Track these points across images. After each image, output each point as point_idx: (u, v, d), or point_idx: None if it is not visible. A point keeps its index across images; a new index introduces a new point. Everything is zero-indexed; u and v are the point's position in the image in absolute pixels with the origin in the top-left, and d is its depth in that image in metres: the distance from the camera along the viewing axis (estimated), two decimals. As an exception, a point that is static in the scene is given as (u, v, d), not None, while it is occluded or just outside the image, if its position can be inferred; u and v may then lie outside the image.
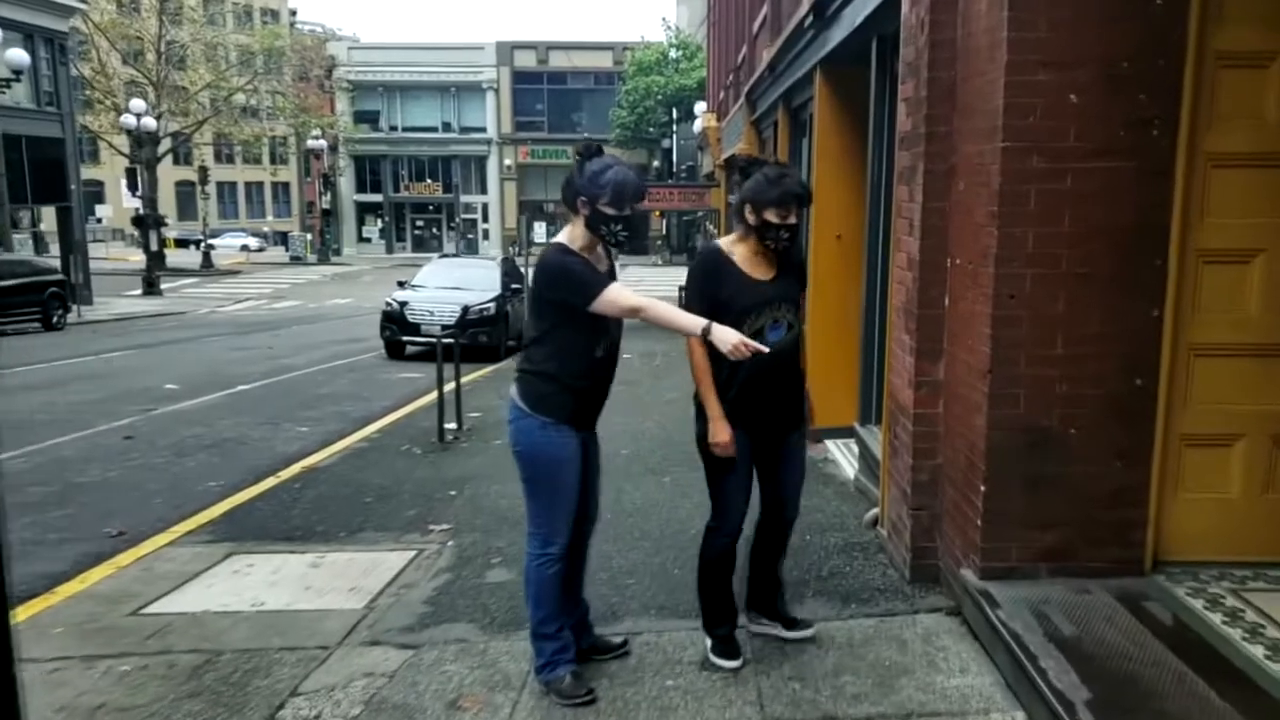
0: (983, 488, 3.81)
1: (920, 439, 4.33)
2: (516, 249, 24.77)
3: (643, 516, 5.57)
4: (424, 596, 4.44)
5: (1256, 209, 3.72)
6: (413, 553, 5.07)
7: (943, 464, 4.29)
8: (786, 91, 9.06)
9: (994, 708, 3.30)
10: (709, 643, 3.66)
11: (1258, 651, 3.23)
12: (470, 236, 46.97)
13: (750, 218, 3.41)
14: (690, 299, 3.50)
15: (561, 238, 3.33)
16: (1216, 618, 3.48)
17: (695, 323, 3.17)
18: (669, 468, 6.61)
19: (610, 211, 3.21)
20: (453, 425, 8.00)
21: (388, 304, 14.43)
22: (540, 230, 33.07)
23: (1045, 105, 3.61)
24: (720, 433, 3.38)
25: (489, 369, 12.55)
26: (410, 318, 13.97)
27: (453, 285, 14.89)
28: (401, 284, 15.47)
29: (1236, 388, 3.84)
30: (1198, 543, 3.90)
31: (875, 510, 5.07)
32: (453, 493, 6.24)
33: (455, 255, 27.81)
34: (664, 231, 44.14)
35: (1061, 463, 3.77)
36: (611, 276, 3.32)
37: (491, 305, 14.34)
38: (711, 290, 3.41)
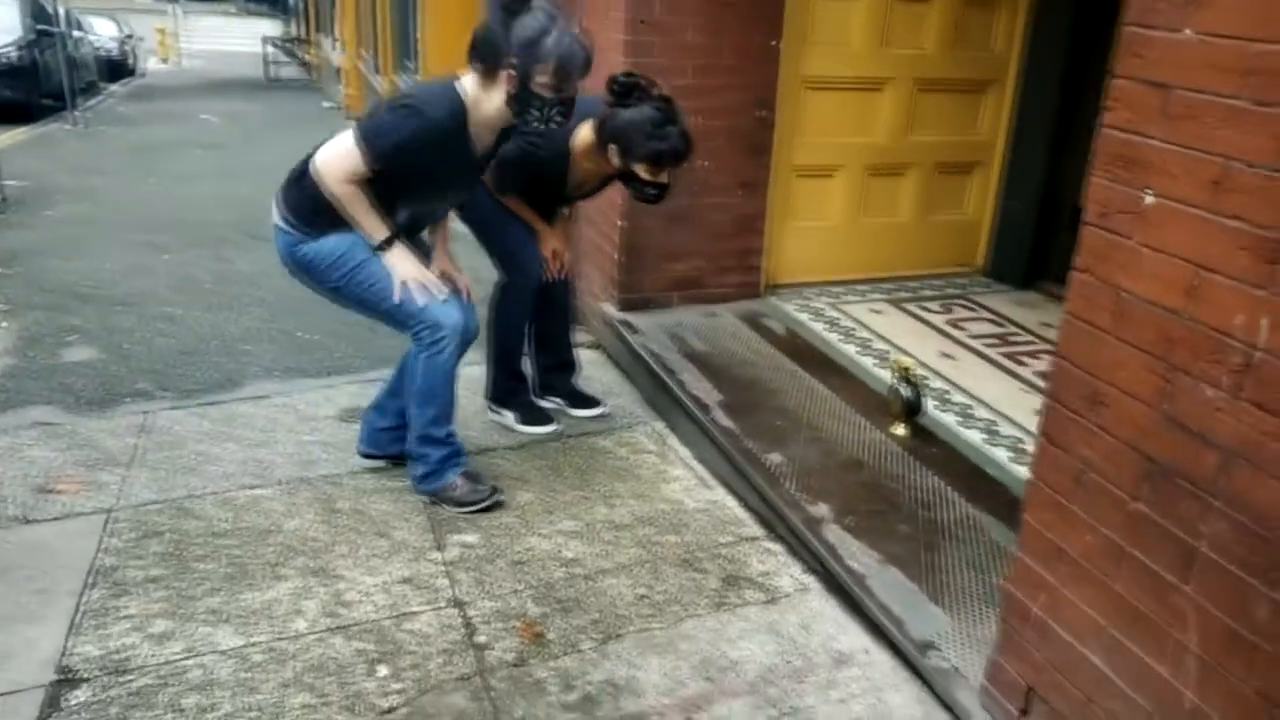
0: (620, 223, 3.83)
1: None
2: None
3: (253, 284, 5.00)
4: (-19, 382, 3.64)
5: (864, -57, 3.91)
6: (-44, 337, 4.11)
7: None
8: None
9: (637, 421, 3.46)
10: (513, 414, 3.37)
11: (851, 350, 3.67)
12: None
13: (616, 159, 2.87)
14: (508, 183, 3.00)
15: (462, 92, 2.54)
16: (819, 326, 3.88)
17: (377, 234, 2.62)
18: (278, 234, 5.97)
19: (547, 93, 2.46)
20: (-10, 196, 6.53)
21: None
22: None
23: None
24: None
25: (23, 131, 10.34)
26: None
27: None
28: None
29: (839, 121, 4.15)
30: (805, 266, 4.29)
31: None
32: (3, 271, 5.13)
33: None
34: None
35: (693, 195, 3.87)
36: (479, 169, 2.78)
37: (12, 52, 11.59)
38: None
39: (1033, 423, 3.14)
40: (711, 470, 3.12)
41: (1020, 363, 3.60)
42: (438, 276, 2.73)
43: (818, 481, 2.80)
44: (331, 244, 2.64)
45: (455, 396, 2.85)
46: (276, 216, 2.71)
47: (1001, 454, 2.95)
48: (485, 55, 2.47)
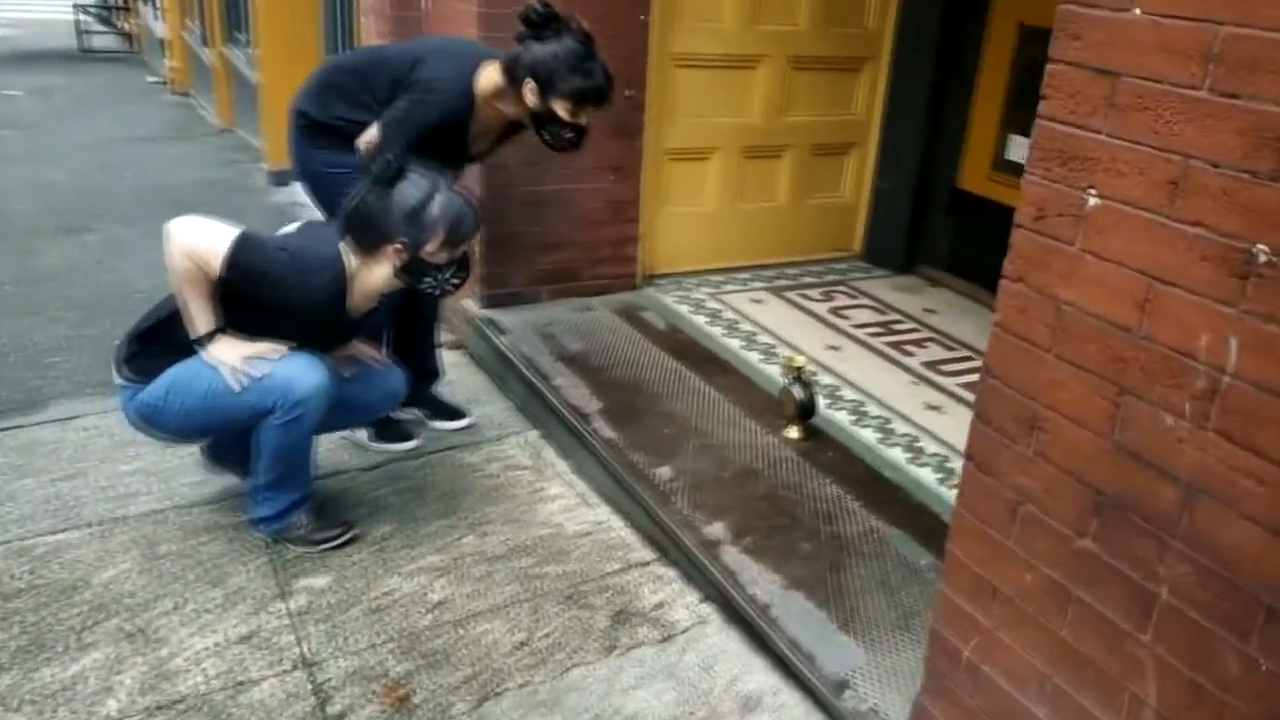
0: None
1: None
2: None
3: (64, 283, 4.40)
4: None
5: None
6: None
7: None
8: None
9: (508, 432, 3.15)
10: (366, 430, 2.97)
11: (735, 344, 3.47)
12: None
13: (531, 97, 2.54)
14: (397, 143, 2.53)
15: (346, 263, 2.31)
16: (701, 319, 3.67)
17: (201, 325, 2.27)
18: (93, 223, 5.32)
19: (441, 259, 2.31)
20: None
21: None
22: None
23: None
24: None
25: None
26: None
27: None
28: None
29: (712, 101, 3.93)
30: (682, 254, 4.06)
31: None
32: None
33: None
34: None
35: (561, 181, 3.58)
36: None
37: None
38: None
39: (926, 418, 3.05)
40: (594, 486, 2.86)
41: (906, 352, 3.48)
42: (344, 356, 2.51)
43: (711, 497, 2.58)
44: (163, 377, 2.32)
45: (314, 453, 2.53)
46: (116, 376, 2.37)
47: (898, 455, 2.80)
48: (364, 234, 2.28)
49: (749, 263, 4.21)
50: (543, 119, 2.59)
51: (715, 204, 4.09)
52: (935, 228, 4.17)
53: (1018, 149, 3.83)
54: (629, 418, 2.94)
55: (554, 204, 3.61)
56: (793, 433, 2.86)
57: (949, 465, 2.76)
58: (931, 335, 3.63)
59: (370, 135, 2.62)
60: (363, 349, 2.60)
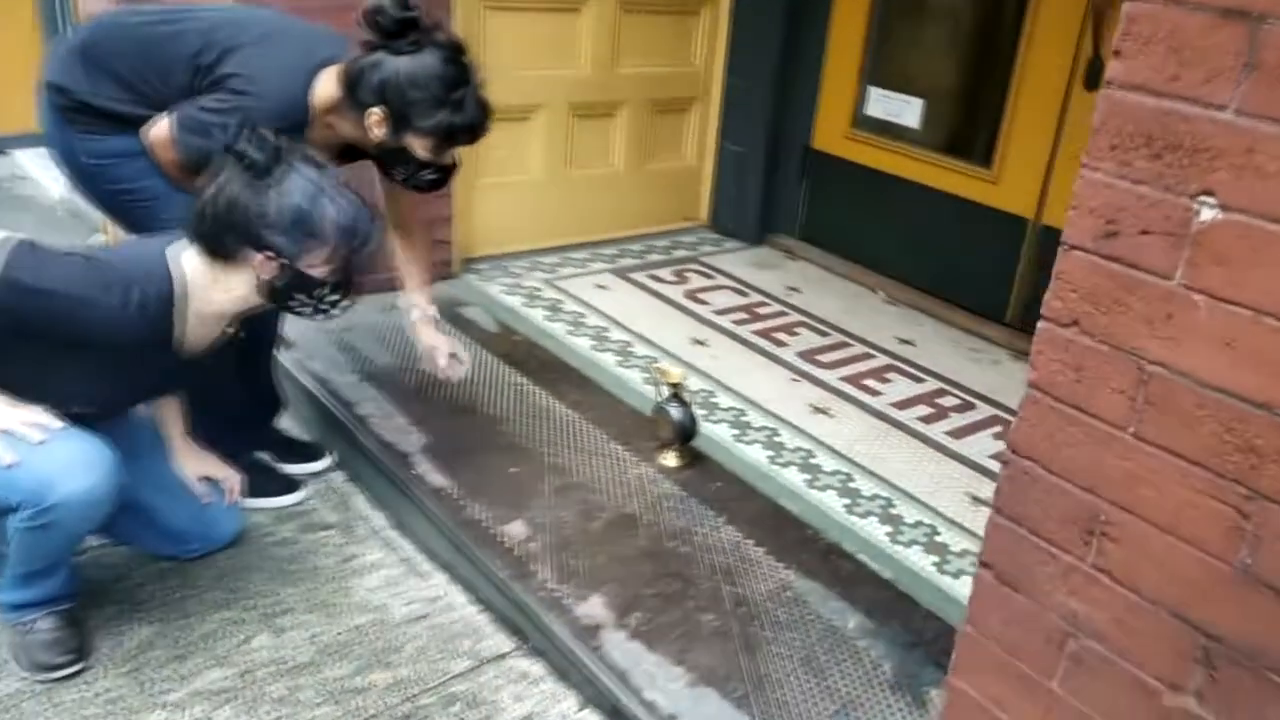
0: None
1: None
2: None
3: None
4: None
5: None
6: None
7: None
8: None
9: (305, 478, 2.47)
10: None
11: (584, 344, 2.92)
12: None
13: (379, 130, 1.90)
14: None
15: (176, 277, 1.70)
16: (538, 314, 3.07)
17: None
18: None
19: (326, 276, 1.74)
20: None
21: None
22: None
23: None
24: None
25: None
26: None
27: None
28: None
29: (532, 49, 3.30)
30: (506, 233, 3.44)
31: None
32: None
33: None
34: None
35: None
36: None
37: None
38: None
39: (815, 425, 2.59)
40: (423, 546, 2.25)
41: (778, 342, 3.04)
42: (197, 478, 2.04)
43: (582, 558, 2.03)
44: None
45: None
46: None
47: (794, 477, 2.36)
48: (221, 237, 1.68)
49: (586, 239, 3.64)
50: (393, 156, 1.96)
51: (541, 172, 3.48)
52: (789, 193, 3.75)
53: (879, 104, 3.44)
54: (462, 454, 2.34)
55: (344, 181, 2.89)
56: (670, 460, 2.36)
57: (852, 486, 2.34)
58: (800, 319, 3.21)
59: (159, 134, 1.89)
60: (224, 473, 2.06)
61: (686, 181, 3.91)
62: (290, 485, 2.38)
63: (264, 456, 2.42)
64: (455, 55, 1.90)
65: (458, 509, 2.16)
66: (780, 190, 3.78)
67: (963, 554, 2.13)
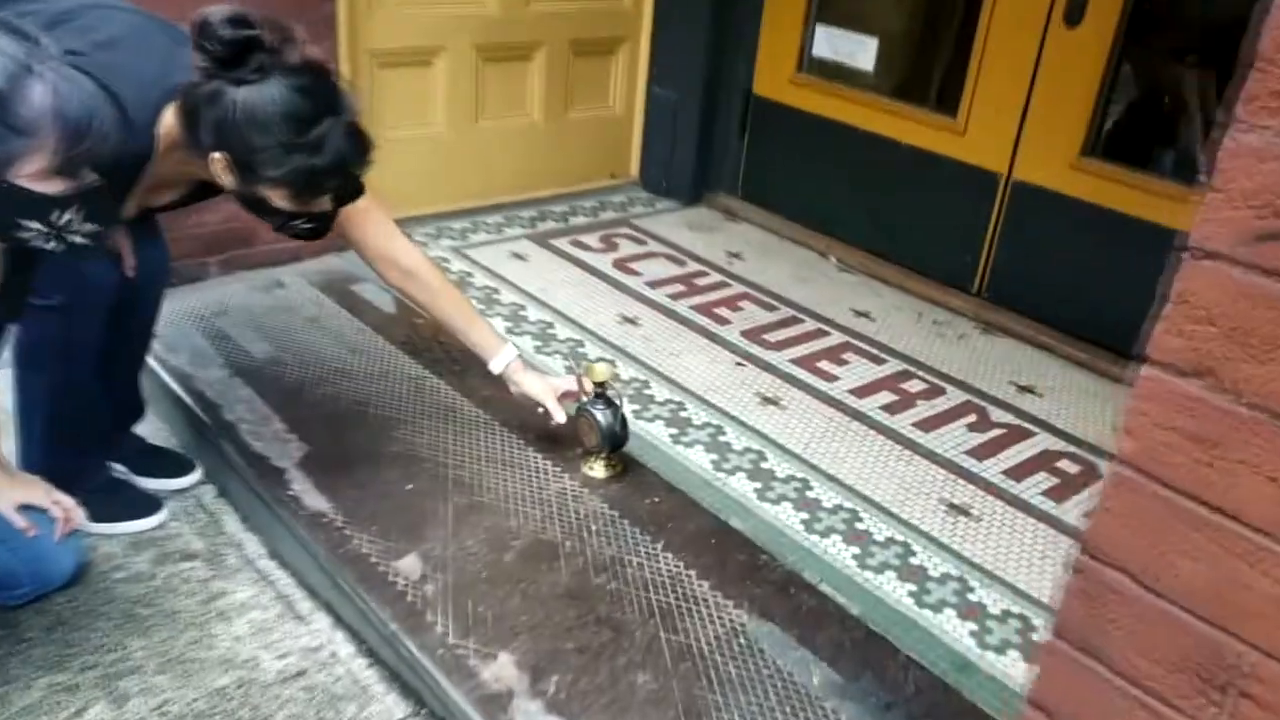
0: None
1: None
2: None
3: None
4: None
5: None
6: None
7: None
8: None
9: (165, 496, 2.06)
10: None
11: (497, 324, 2.51)
12: None
13: (226, 176, 1.49)
14: None
15: None
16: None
17: None
18: None
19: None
20: None
21: None
22: None
23: None
24: None
25: None
26: None
27: None
28: None
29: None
30: (406, 195, 3.00)
31: None
32: None
33: None
34: None
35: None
36: None
37: None
38: None
39: (764, 420, 2.23)
40: (301, 581, 1.86)
41: (720, 319, 2.69)
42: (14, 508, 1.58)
43: (490, 603, 1.67)
44: None
45: None
46: None
47: (742, 485, 2.02)
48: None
49: (499, 201, 3.23)
50: (254, 205, 1.55)
51: (446, 124, 3.05)
52: (728, 145, 3.38)
53: (828, 43, 3.07)
54: (348, 468, 1.95)
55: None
56: (597, 470, 1.99)
57: (810, 495, 2.01)
58: (744, 290, 2.86)
59: None
60: (50, 500, 1.62)
61: (613, 133, 3.51)
62: (149, 505, 1.98)
63: (120, 469, 2.01)
64: (311, 82, 1.47)
65: (341, 540, 1.78)
66: (718, 142, 3.40)
67: (943, 579, 1.82)
